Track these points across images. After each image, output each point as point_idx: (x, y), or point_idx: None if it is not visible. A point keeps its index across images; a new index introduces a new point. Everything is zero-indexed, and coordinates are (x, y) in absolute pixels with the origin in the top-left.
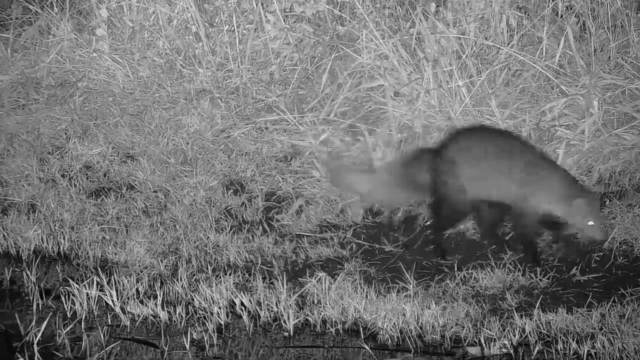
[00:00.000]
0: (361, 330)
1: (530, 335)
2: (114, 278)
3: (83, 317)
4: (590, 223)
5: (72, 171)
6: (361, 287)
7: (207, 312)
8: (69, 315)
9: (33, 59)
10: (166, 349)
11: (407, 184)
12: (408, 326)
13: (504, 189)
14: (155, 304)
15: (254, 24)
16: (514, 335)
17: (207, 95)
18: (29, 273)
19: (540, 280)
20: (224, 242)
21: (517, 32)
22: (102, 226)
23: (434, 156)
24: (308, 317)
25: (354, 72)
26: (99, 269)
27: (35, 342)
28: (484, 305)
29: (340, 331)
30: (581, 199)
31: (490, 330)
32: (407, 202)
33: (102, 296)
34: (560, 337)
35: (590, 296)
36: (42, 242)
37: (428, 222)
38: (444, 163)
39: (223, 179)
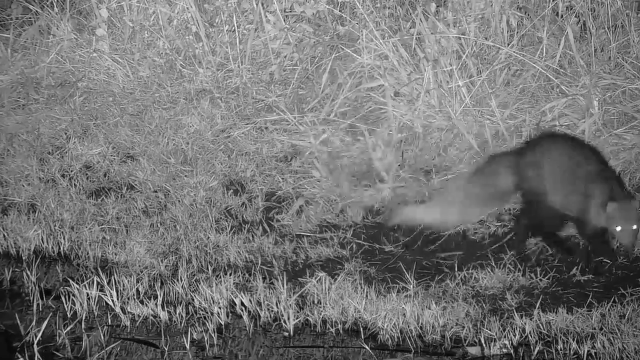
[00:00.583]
0: (361, 330)
1: (531, 335)
2: (114, 278)
3: (83, 317)
4: (619, 228)
5: (72, 171)
6: (361, 287)
7: (207, 312)
8: (69, 316)
9: (33, 59)
10: (166, 349)
11: (482, 196)
12: (408, 326)
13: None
14: (156, 304)
15: (254, 24)
16: (514, 335)
17: (207, 95)
18: (29, 273)
19: (541, 280)
20: (224, 242)
21: (517, 32)
22: (102, 226)
23: (518, 159)
24: (308, 317)
25: (354, 72)
26: (99, 269)
27: (36, 342)
28: (484, 305)
29: (341, 331)
30: (614, 202)
31: (490, 330)
32: (484, 215)
33: (102, 296)
34: (561, 337)
35: (591, 296)
36: (42, 242)
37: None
38: (530, 166)
39: (223, 179)
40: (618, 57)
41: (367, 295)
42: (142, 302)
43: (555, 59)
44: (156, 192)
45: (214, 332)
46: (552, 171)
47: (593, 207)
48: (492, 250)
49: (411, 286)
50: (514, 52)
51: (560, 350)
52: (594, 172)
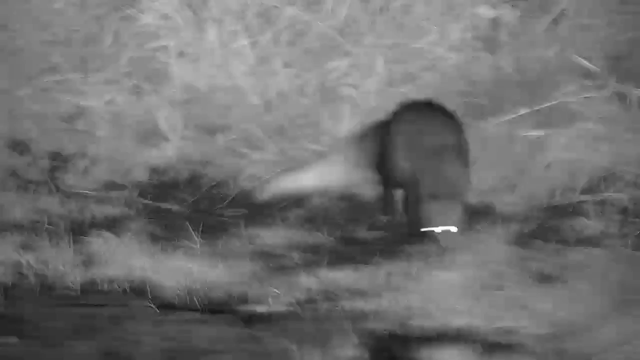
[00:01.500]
0: (148, 289)
1: (316, 293)
2: None
3: None
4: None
5: None
6: (147, 246)
7: None
8: None
9: None
10: None
11: (365, 160)
12: (194, 285)
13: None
14: None
15: None
16: (300, 294)
17: None
18: None
19: (326, 238)
20: (10, 202)
21: None
22: None
23: (383, 126)
24: (94, 277)
25: (138, 32)
26: None
27: None
28: (269, 263)
29: (127, 290)
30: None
31: (275, 288)
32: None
33: None
34: (346, 294)
35: (376, 254)
36: None
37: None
38: (387, 133)
39: (7, 140)
40: (401, 17)
41: (153, 255)
42: None
43: (339, 18)
44: None
45: (0, 292)
46: (400, 138)
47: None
48: (278, 209)
49: (197, 245)
50: (297, 11)
51: (346, 308)
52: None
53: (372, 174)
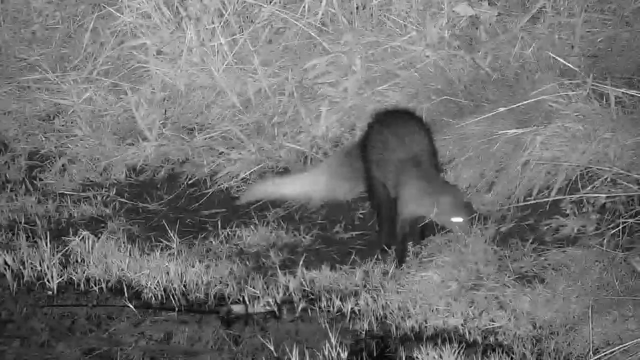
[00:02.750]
0: (125, 288)
1: (294, 293)
2: None
3: None
4: (457, 219)
5: None
6: (125, 246)
7: None
8: None
9: None
10: None
11: (348, 175)
12: (172, 284)
13: (388, 183)
14: None
15: None
16: (278, 293)
17: None
18: None
19: (304, 237)
20: None
21: None
22: None
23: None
24: (72, 276)
25: (117, 31)
26: None
27: None
28: (247, 263)
29: (104, 289)
30: (446, 196)
31: (254, 288)
32: (352, 191)
33: None
34: (324, 294)
35: (354, 254)
36: None
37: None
38: (360, 148)
39: None
40: (380, 15)
41: (130, 254)
42: None
43: (317, 16)
44: None
45: None
46: (378, 149)
47: (408, 197)
48: (256, 208)
49: (175, 244)
50: (276, 9)
51: (324, 307)
52: (406, 160)
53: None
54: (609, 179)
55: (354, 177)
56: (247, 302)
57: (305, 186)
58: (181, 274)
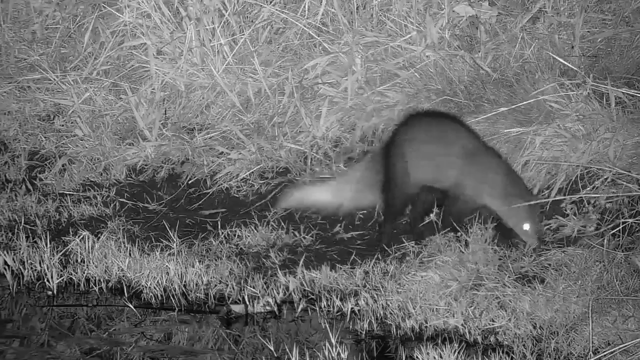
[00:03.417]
0: (125, 288)
1: (294, 293)
2: None
3: None
4: (526, 227)
5: None
6: (125, 246)
7: None
8: None
9: None
10: None
11: (374, 182)
12: (172, 284)
13: (443, 175)
14: None
15: None
16: (278, 293)
17: None
18: None
19: (304, 238)
20: None
21: None
22: None
23: (387, 142)
24: (72, 276)
25: (117, 31)
26: None
27: None
28: (247, 263)
29: (104, 290)
30: (522, 200)
31: (254, 288)
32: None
33: None
34: (324, 294)
35: (354, 254)
36: None
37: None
38: (393, 146)
39: None
40: (380, 15)
41: (130, 254)
42: None
43: (317, 16)
44: None
45: None
46: (420, 146)
47: (485, 191)
48: (256, 208)
49: (175, 244)
50: (276, 10)
51: (324, 307)
52: (478, 153)
53: (379, 196)
54: (609, 179)
55: (377, 185)
56: (247, 302)
57: (335, 194)
58: (181, 274)
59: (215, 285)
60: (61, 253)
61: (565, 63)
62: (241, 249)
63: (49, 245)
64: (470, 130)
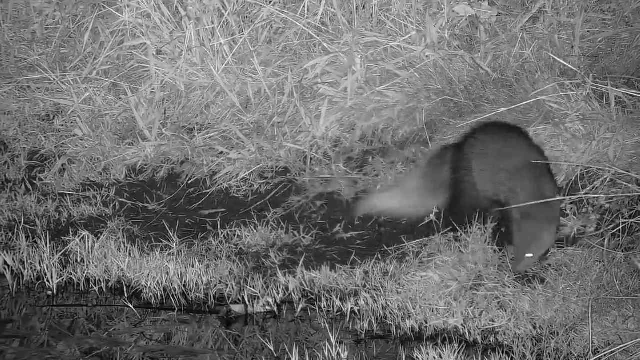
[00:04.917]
0: (125, 288)
1: (294, 293)
2: None
3: None
4: (528, 255)
5: None
6: (125, 246)
7: None
8: None
9: None
10: None
11: (436, 186)
12: (172, 284)
13: (508, 189)
14: None
15: None
16: (278, 293)
17: None
18: None
19: (304, 238)
20: None
21: None
22: None
23: (454, 151)
24: (71, 276)
25: (116, 31)
26: None
27: None
28: (247, 263)
29: (104, 290)
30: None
31: (253, 288)
32: (438, 205)
33: None
34: (324, 294)
35: (354, 254)
36: None
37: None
38: (461, 160)
39: None
40: (380, 15)
41: (130, 254)
42: None
43: (317, 16)
44: None
45: None
46: (486, 159)
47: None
48: (255, 208)
49: (174, 244)
50: (275, 9)
51: (324, 307)
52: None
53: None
54: (609, 179)
55: (435, 189)
56: (247, 302)
57: (400, 200)
58: (181, 274)
59: (215, 285)
60: (61, 253)
61: (565, 63)
62: (241, 249)
63: (48, 245)
64: (535, 145)
